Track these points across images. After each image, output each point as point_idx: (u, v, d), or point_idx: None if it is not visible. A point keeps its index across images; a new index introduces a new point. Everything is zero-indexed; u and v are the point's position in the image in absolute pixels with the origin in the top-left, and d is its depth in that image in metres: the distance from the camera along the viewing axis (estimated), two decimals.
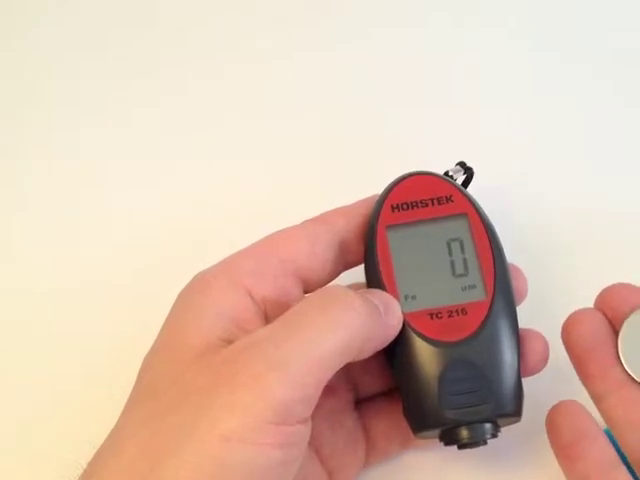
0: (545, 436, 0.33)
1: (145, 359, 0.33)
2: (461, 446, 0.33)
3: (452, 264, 0.34)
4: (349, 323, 0.30)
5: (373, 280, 0.34)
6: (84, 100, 0.49)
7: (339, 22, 0.51)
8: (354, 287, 0.36)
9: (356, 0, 0.52)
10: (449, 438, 0.33)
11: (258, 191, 0.46)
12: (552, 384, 0.36)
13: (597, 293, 0.34)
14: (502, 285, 0.33)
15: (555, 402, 0.34)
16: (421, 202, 0.35)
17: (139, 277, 0.43)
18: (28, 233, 0.45)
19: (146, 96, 0.49)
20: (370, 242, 0.35)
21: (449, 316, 0.33)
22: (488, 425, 0.32)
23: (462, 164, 0.38)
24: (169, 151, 0.48)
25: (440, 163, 0.38)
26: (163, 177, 0.47)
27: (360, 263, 0.36)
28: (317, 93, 0.49)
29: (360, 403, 0.37)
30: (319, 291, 0.32)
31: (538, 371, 0.35)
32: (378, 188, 0.36)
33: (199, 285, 0.33)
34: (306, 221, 0.36)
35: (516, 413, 0.33)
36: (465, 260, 0.34)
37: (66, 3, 0.53)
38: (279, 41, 0.51)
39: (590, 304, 0.34)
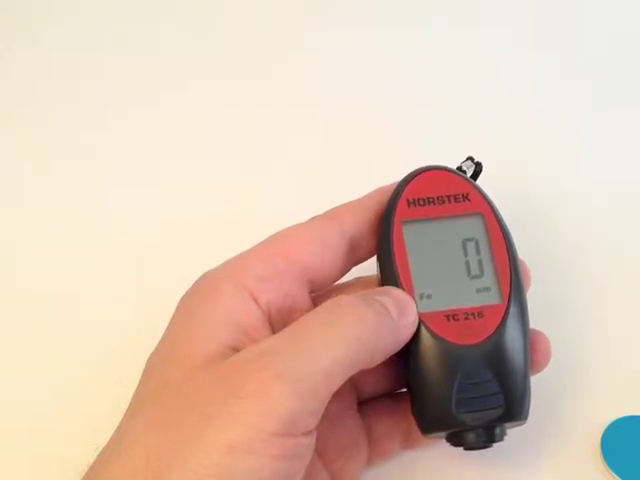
0: (546, 435, 0.33)
1: (149, 361, 0.32)
2: (468, 448, 0.33)
3: (467, 264, 0.34)
4: (358, 335, 0.30)
5: (389, 277, 0.33)
6: (84, 100, 0.49)
7: (339, 22, 0.52)
8: (363, 283, 0.36)
9: (356, 0, 0.52)
10: (457, 440, 0.33)
11: (260, 190, 0.45)
12: (553, 382, 0.37)
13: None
14: (517, 288, 0.33)
15: (556, 400, 0.34)
16: (438, 198, 0.35)
17: (140, 277, 0.43)
18: (28, 233, 0.45)
19: (146, 96, 0.49)
20: (385, 237, 0.34)
21: (465, 319, 0.33)
22: (497, 429, 0.33)
23: (471, 158, 0.38)
24: (171, 151, 0.47)
25: (439, 162, 0.37)
26: (164, 177, 0.47)
27: (369, 258, 0.35)
28: (317, 92, 0.49)
29: (362, 403, 0.36)
30: (328, 302, 0.31)
31: (541, 370, 0.35)
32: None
33: (205, 288, 0.32)
34: (314, 218, 0.35)
35: (524, 417, 0.33)
36: (480, 261, 0.34)
37: (66, 3, 0.53)
38: (279, 41, 0.51)
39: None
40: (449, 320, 0.32)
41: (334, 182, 0.44)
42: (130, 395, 0.31)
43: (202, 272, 0.33)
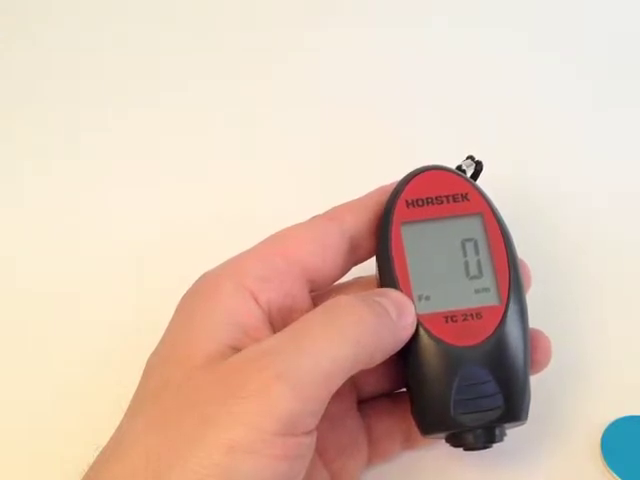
0: (546, 435, 0.33)
1: (149, 361, 0.32)
2: (468, 449, 0.33)
3: (466, 265, 0.34)
4: (358, 335, 0.30)
5: (387, 279, 0.33)
6: (84, 100, 0.49)
7: (339, 22, 0.52)
8: (362, 282, 0.36)
9: (356, 0, 0.52)
10: (457, 441, 0.33)
11: (260, 190, 0.46)
12: (553, 382, 0.37)
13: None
14: (516, 289, 0.33)
15: (556, 400, 0.34)
16: (436, 199, 0.34)
17: (140, 277, 0.43)
18: (28, 233, 0.45)
19: (146, 96, 0.49)
20: (384, 238, 0.34)
21: (464, 320, 0.32)
22: (496, 430, 0.32)
23: (472, 157, 0.38)
24: (171, 151, 0.47)
25: (439, 162, 0.37)
26: (164, 177, 0.46)
27: (370, 257, 0.35)
28: (317, 92, 0.49)
29: (362, 403, 0.36)
30: (328, 302, 0.31)
31: (541, 370, 0.35)
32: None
33: (205, 288, 0.32)
34: (315, 217, 0.35)
35: (524, 418, 0.33)
36: (479, 262, 0.34)
37: (66, 3, 0.53)
38: (279, 41, 0.51)
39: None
40: (447, 321, 0.32)
41: (334, 182, 0.45)
42: (130, 395, 0.31)
43: (202, 272, 0.33)
